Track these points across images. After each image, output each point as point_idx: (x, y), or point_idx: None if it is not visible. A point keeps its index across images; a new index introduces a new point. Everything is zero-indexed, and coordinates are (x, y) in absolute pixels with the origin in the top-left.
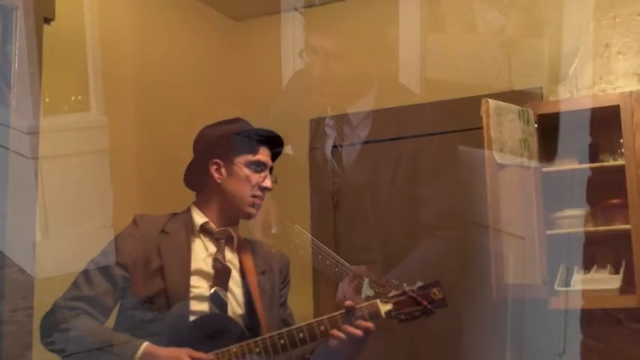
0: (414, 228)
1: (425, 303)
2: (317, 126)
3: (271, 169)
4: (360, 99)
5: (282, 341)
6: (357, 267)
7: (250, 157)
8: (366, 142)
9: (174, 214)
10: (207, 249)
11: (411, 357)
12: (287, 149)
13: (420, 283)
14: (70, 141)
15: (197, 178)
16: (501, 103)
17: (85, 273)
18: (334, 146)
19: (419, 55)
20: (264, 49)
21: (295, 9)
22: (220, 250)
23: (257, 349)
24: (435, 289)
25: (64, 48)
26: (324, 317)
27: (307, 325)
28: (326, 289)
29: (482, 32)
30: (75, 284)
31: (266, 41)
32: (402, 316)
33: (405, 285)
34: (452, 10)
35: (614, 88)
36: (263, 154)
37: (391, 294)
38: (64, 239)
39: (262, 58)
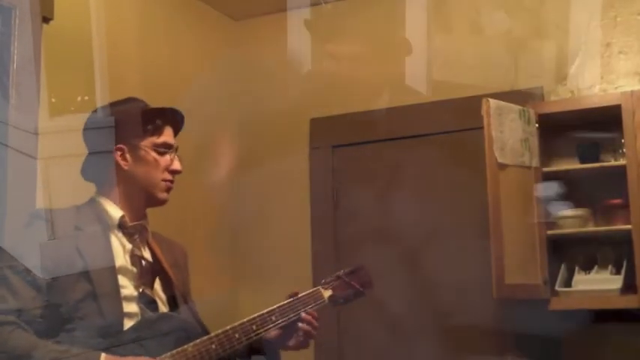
0: (414, 227)
1: (357, 286)
2: (317, 125)
3: (176, 149)
4: (369, 102)
5: (236, 335)
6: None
7: (156, 140)
8: (366, 142)
9: (78, 207)
10: (123, 245)
11: (413, 356)
12: None
13: (349, 268)
14: (77, 141)
15: (99, 165)
16: (502, 103)
17: (4, 280)
18: (337, 146)
19: (422, 55)
20: (263, 48)
21: (290, 9)
22: (136, 246)
23: (213, 346)
24: (362, 272)
25: (66, 47)
26: (274, 307)
27: (259, 316)
28: None
29: (484, 33)
30: None
31: (265, 41)
32: (341, 300)
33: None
34: (456, 11)
35: (616, 88)
36: (168, 135)
37: (327, 279)
38: (68, 240)
39: (262, 57)
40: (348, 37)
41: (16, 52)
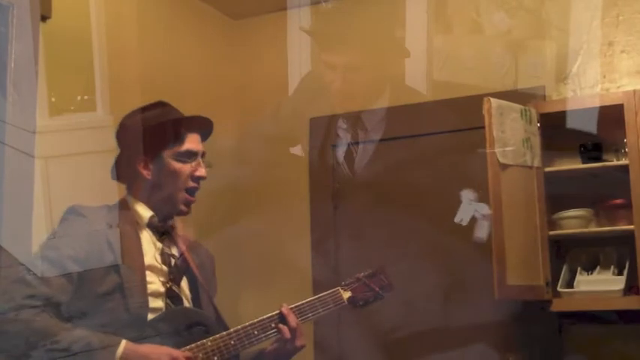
0: (415, 227)
1: (376, 288)
2: (317, 125)
3: (203, 155)
4: (370, 101)
5: (255, 332)
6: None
7: (178, 148)
8: (367, 142)
9: (109, 206)
10: (154, 244)
11: (414, 357)
12: (296, 150)
13: (369, 271)
14: (77, 141)
15: (127, 171)
16: (503, 102)
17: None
18: (335, 146)
19: (422, 55)
20: (262, 47)
21: (287, 8)
22: (166, 245)
23: (232, 341)
24: (382, 275)
25: (64, 46)
26: (292, 306)
27: (278, 313)
28: None
29: (486, 32)
30: (24, 282)
31: (264, 40)
32: (361, 302)
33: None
34: (457, 10)
35: (618, 87)
36: (192, 142)
37: (347, 281)
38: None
39: (261, 56)
40: (348, 37)
41: (14, 50)
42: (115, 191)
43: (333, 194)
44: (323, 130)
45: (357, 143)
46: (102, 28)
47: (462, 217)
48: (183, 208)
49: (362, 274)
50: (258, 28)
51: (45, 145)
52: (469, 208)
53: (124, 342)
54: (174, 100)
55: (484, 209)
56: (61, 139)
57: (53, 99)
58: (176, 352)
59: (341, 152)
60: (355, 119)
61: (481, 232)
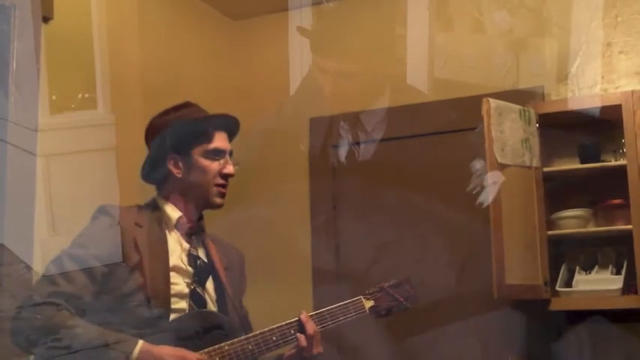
0: (414, 227)
1: (400, 299)
2: (317, 125)
3: (231, 153)
4: (371, 101)
5: (273, 337)
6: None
7: (207, 146)
8: (368, 142)
9: (140, 206)
10: (181, 244)
11: (413, 356)
12: (297, 150)
13: (394, 280)
14: (78, 139)
15: (157, 171)
16: (502, 103)
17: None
18: (335, 146)
19: (423, 55)
20: (263, 48)
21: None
22: (193, 246)
23: (249, 346)
24: (408, 286)
25: (66, 47)
26: (313, 313)
27: (296, 320)
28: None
29: (486, 32)
30: (49, 279)
31: (265, 40)
32: (383, 312)
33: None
34: (458, 10)
35: (616, 88)
36: (219, 140)
37: (370, 290)
38: (70, 236)
39: (261, 57)
40: (348, 37)
41: (15, 50)
42: (116, 189)
43: (333, 194)
44: (323, 130)
45: (358, 144)
46: (103, 28)
47: (474, 185)
48: (217, 200)
49: (386, 283)
50: (258, 29)
51: (46, 143)
52: (480, 177)
53: (140, 342)
54: (174, 100)
55: (496, 176)
56: (62, 137)
57: (54, 97)
58: (192, 355)
59: (342, 152)
60: (356, 120)
61: (484, 197)
